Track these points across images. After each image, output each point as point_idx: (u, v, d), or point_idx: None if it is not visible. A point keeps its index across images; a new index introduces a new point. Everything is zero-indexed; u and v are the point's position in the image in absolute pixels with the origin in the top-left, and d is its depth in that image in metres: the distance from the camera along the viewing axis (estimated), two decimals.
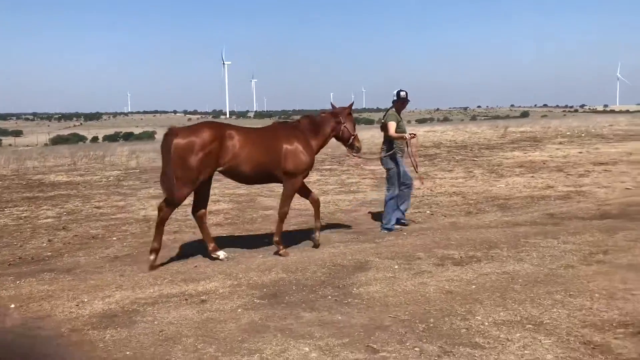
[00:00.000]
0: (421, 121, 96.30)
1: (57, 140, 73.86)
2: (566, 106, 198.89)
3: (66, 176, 15.17)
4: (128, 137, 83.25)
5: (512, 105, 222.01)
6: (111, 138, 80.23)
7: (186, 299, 4.98)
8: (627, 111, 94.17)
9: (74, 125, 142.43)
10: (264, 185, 11.82)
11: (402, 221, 7.87)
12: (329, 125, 6.87)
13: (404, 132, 7.64)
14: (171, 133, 5.97)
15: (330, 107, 7.14)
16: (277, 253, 6.49)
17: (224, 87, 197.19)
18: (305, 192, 6.87)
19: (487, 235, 7.04)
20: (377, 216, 8.55)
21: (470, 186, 11.39)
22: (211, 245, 6.45)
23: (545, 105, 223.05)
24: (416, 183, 8.16)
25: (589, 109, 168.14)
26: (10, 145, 53.93)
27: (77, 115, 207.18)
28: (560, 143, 20.78)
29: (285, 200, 6.59)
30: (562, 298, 4.68)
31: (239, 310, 4.67)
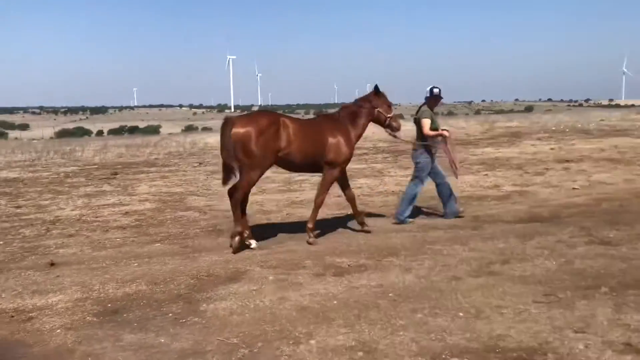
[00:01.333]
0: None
1: (62, 134, 73.87)
2: (571, 100, 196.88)
3: (18, 172, 14.76)
4: (133, 130, 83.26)
5: (516, 100, 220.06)
6: (116, 132, 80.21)
7: (12, 316, 4.52)
8: (633, 105, 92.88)
9: (80, 119, 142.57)
10: (201, 185, 11.58)
11: (406, 220, 7.59)
12: (365, 113, 7.11)
13: (438, 128, 7.63)
14: (228, 122, 6.27)
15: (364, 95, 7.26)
16: (308, 242, 6.62)
17: (228, 82, 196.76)
18: (344, 184, 7.13)
19: (393, 241, 6.52)
20: (293, 222, 8.04)
21: None
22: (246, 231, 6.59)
23: (550, 100, 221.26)
24: (452, 178, 8.01)
25: (594, 103, 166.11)
26: (16, 138, 53.66)
27: (84, 109, 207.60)
28: (539, 139, 20.11)
29: (323, 189, 6.87)
30: (422, 317, 4.18)
31: (58, 330, 4.20)
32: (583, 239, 6.28)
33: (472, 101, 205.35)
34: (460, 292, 4.71)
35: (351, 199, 7.17)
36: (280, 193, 10.45)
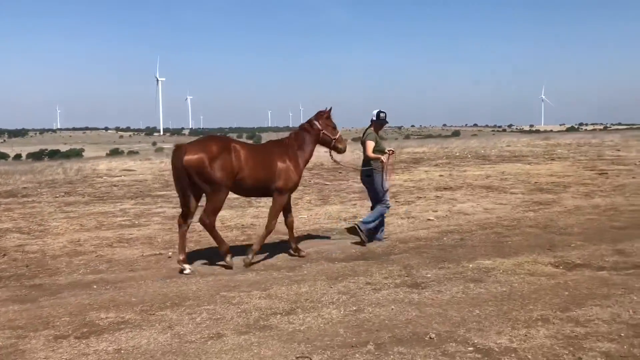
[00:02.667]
0: (356, 139, 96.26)
1: None
2: (495, 126, 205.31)
3: None
4: (54, 154, 79.47)
5: (444, 125, 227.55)
6: (36, 156, 76.17)
7: None
8: (551, 131, 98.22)
9: None
10: (38, 219, 10.41)
11: (377, 237, 7.88)
12: (310, 137, 7.18)
13: (383, 150, 7.80)
14: (179, 149, 6.26)
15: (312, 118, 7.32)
16: (246, 263, 6.65)
17: (157, 104, 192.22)
18: (286, 209, 7.09)
19: (188, 288, 5.76)
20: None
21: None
22: (182, 256, 6.54)
23: (475, 125, 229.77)
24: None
25: (516, 128, 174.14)
26: None
27: (1, 132, 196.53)
28: (436, 165, 20.14)
29: (274, 215, 6.90)
30: None
31: None
32: (396, 280, 5.76)
33: (402, 126, 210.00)
34: (208, 354, 3.99)
35: (290, 226, 7.19)
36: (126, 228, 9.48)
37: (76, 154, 78.88)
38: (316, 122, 7.22)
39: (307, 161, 7.18)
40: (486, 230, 8.41)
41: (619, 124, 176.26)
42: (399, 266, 6.30)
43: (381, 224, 7.93)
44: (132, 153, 54.82)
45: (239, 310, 4.94)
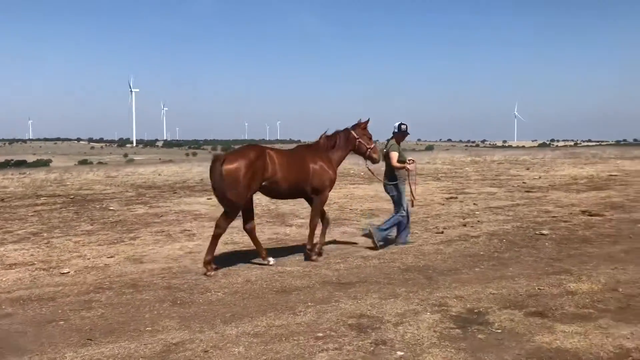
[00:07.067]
0: None
1: None
2: (468, 141, 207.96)
3: None
4: (20, 164, 77.77)
5: (419, 140, 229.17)
6: (1, 165, 74.51)
7: None
8: (523, 147, 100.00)
9: None
10: None
11: (381, 243, 8.12)
12: (344, 142, 7.56)
13: (405, 160, 8.17)
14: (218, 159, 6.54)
15: (350, 126, 7.76)
16: (308, 259, 7.25)
17: (131, 115, 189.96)
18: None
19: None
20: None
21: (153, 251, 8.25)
22: (263, 253, 7.10)
23: (449, 140, 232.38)
24: (410, 204, 8.50)
25: (489, 144, 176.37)
26: None
27: None
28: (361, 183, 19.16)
29: (316, 212, 7.33)
30: None
31: None
32: None
33: (377, 140, 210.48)
34: None
35: (324, 227, 7.56)
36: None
37: (43, 164, 77.34)
38: (352, 131, 7.59)
39: (338, 163, 7.50)
40: None
41: (589, 140, 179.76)
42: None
43: (404, 228, 8.27)
44: (100, 164, 53.74)
45: None
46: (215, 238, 6.66)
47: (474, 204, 12.72)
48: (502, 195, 14.44)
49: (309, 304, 5.50)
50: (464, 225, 9.80)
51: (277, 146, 7.48)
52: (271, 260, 7.06)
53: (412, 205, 8.53)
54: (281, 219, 11.15)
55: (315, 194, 7.21)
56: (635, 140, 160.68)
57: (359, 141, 7.58)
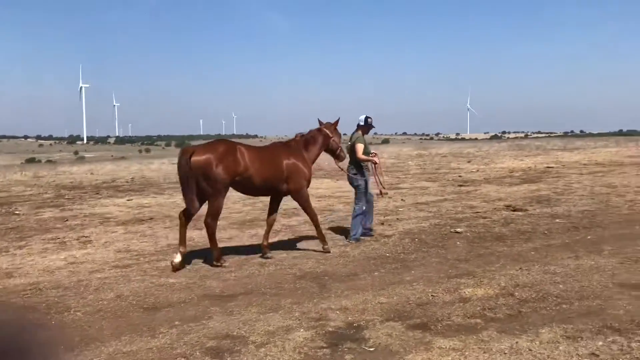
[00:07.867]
0: None
1: None
2: (423, 134, 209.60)
3: None
4: None
5: (375, 133, 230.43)
6: None
7: None
8: (476, 139, 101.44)
9: None
10: None
11: (370, 233, 8.43)
12: (318, 141, 7.63)
13: (369, 153, 8.31)
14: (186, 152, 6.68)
15: (318, 124, 7.85)
16: (325, 251, 7.42)
17: (81, 111, 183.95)
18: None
19: None
20: None
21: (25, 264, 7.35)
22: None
23: (404, 133, 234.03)
24: (376, 196, 8.79)
25: (443, 136, 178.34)
26: None
27: None
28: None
29: (308, 208, 7.39)
30: None
31: None
32: None
33: (345, 134, 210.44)
34: None
35: (270, 223, 7.52)
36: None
37: None
38: (326, 129, 7.70)
39: (312, 161, 7.56)
40: None
41: (539, 132, 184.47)
42: None
43: (366, 215, 8.33)
44: (50, 162, 51.41)
45: None
46: (211, 235, 6.79)
47: (402, 199, 12.36)
48: (433, 190, 14.17)
49: (176, 323, 4.91)
50: (382, 224, 9.38)
51: (236, 141, 7.27)
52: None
53: (382, 196, 8.88)
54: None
55: (294, 194, 7.29)
56: (581, 131, 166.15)
57: (333, 140, 7.73)
